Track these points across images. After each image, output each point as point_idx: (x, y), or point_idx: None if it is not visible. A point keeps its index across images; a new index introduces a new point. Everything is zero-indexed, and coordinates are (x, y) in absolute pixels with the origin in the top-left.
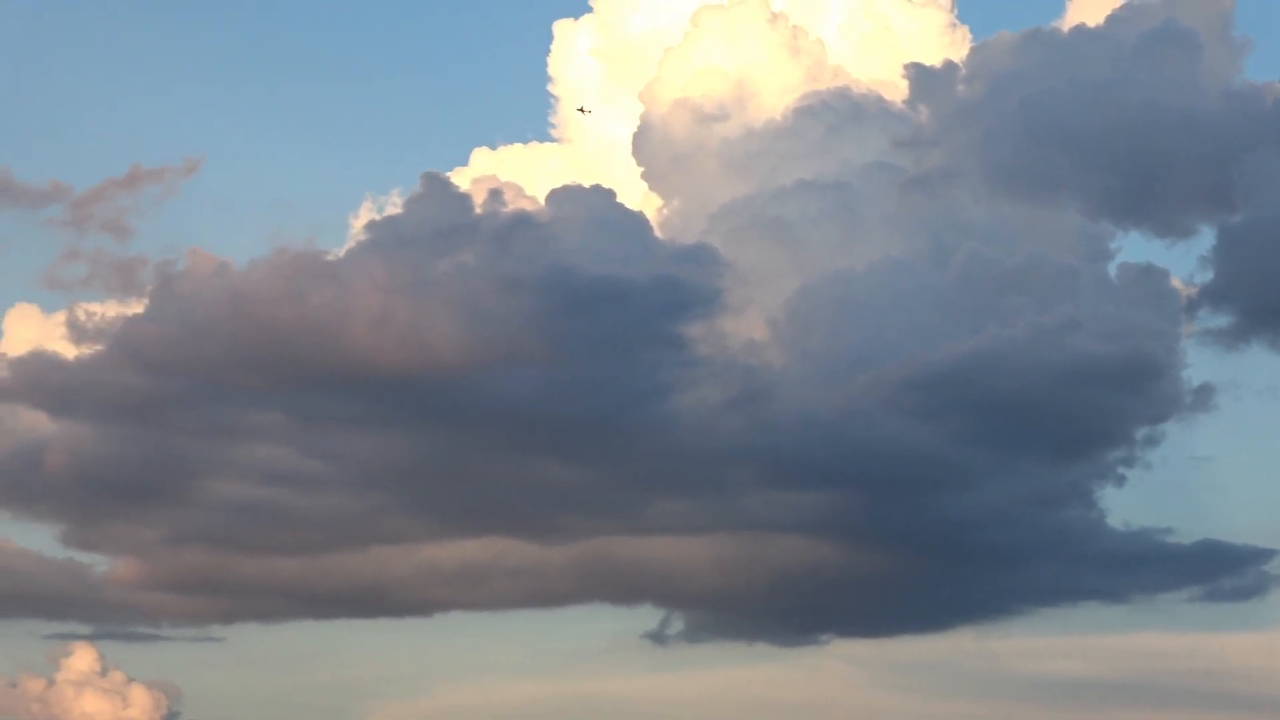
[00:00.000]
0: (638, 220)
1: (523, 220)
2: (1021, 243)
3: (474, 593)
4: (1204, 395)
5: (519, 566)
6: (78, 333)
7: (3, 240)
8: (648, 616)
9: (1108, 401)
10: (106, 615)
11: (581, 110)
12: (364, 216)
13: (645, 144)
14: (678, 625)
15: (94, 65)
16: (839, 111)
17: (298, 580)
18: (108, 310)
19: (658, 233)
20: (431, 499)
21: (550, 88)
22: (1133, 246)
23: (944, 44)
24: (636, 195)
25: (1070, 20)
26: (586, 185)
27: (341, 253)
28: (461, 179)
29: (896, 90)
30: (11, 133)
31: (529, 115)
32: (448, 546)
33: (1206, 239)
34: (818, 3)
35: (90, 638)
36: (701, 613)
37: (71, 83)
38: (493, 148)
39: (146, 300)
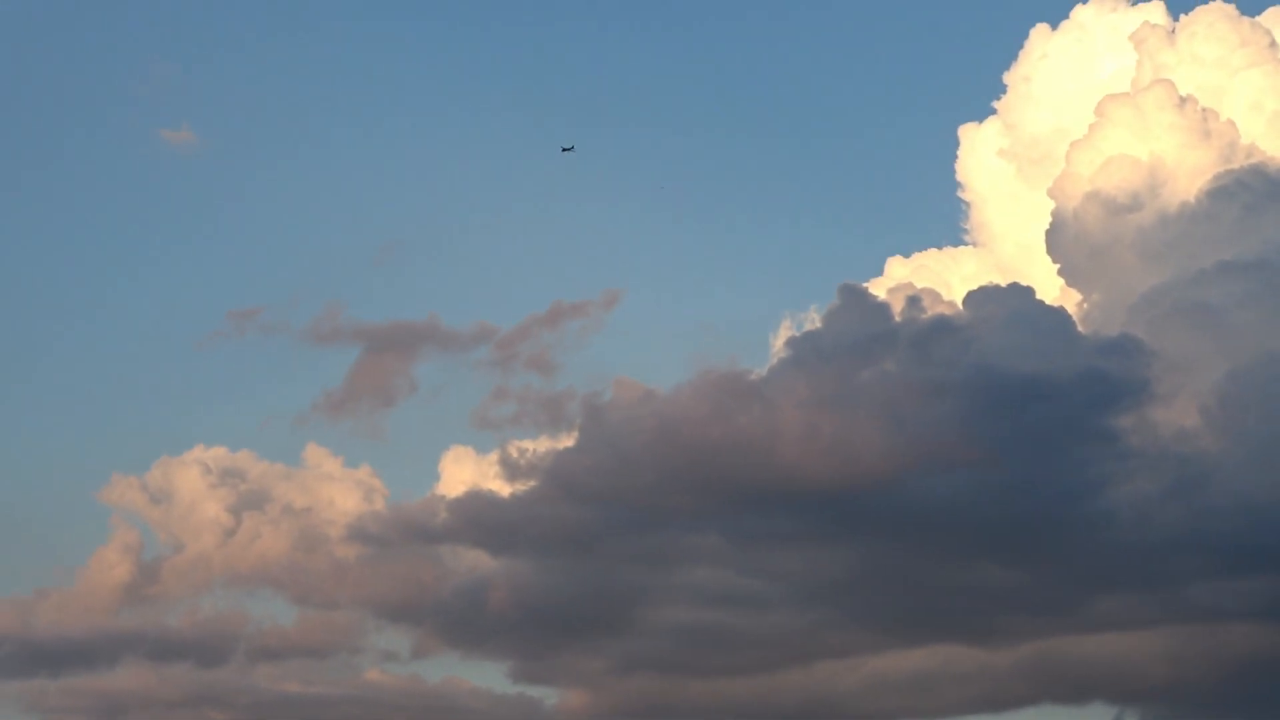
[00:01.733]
0: (1059, 316)
1: (942, 324)
2: None
3: (923, 701)
4: None
5: (966, 672)
6: (511, 470)
7: (435, 386)
8: (1099, 715)
9: None
10: None
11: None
12: (783, 333)
13: (1059, 239)
14: None
15: (512, 207)
16: (1255, 190)
17: (747, 700)
18: (539, 446)
19: (1080, 327)
20: (872, 610)
21: (960, 193)
22: None
23: None
24: (1054, 291)
25: None
26: (1003, 285)
27: (764, 371)
28: (878, 288)
29: None
30: (438, 279)
31: (940, 221)
32: (892, 657)
33: None
34: (1225, 84)
35: None
36: (1156, 707)
37: (491, 225)
38: (906, 255)
39: (576, 433)
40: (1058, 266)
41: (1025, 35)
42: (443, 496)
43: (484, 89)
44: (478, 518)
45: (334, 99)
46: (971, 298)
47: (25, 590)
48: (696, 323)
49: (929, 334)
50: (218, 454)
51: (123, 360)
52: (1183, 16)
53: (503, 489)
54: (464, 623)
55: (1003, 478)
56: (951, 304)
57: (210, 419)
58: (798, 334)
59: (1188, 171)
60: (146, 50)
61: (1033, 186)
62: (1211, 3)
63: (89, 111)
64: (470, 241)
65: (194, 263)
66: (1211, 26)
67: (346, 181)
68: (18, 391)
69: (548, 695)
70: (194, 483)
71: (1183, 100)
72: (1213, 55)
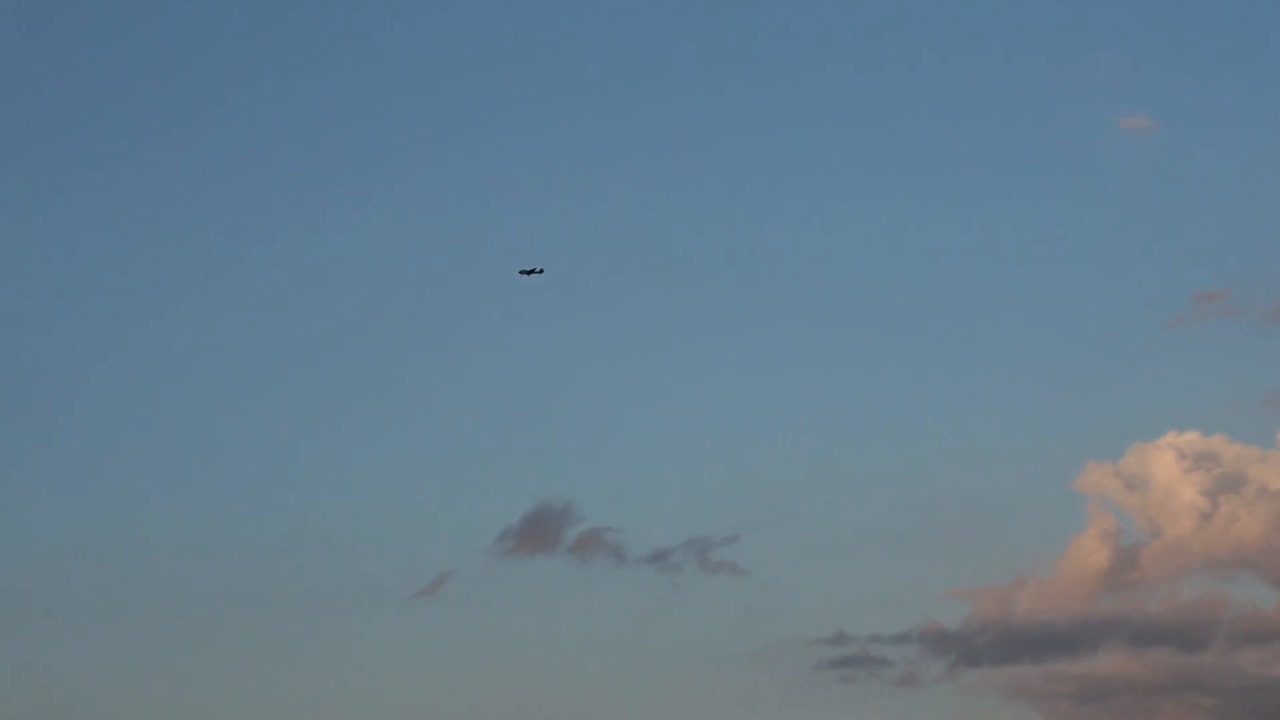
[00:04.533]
0: None
1: None
2: None
3: None
4: None
5: None
6: None
7: None
8: None
9: None
10: None
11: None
12: None
13: None
14: None
15: None
16: None
17: None
18: None
19: None
20: None
21: None
22: None
23: None
24: None
25: None
26: None
27: None
28: None
29: None
30: None
31: None
32: None
33: None
34: None
35: None
36: None
37: None
38: None
39: None
40: None
41: None
42: None
43: None
44: None
45: None
46: None
47: (1005, 578)
48: None
49: None
50: (1190, 439)
51: (1091, 348)
52: None
53: None
54: None
55: None
56: None
57: (1180, 403)
58: None
59: None
60: (1103, 40)
61: None
62: None
63: (1048, 101)
64: None
65: (1159, 246)
66: None
67: None
68: (954, 385)
69: None
70: (1168, 467)
71: None
72: None
